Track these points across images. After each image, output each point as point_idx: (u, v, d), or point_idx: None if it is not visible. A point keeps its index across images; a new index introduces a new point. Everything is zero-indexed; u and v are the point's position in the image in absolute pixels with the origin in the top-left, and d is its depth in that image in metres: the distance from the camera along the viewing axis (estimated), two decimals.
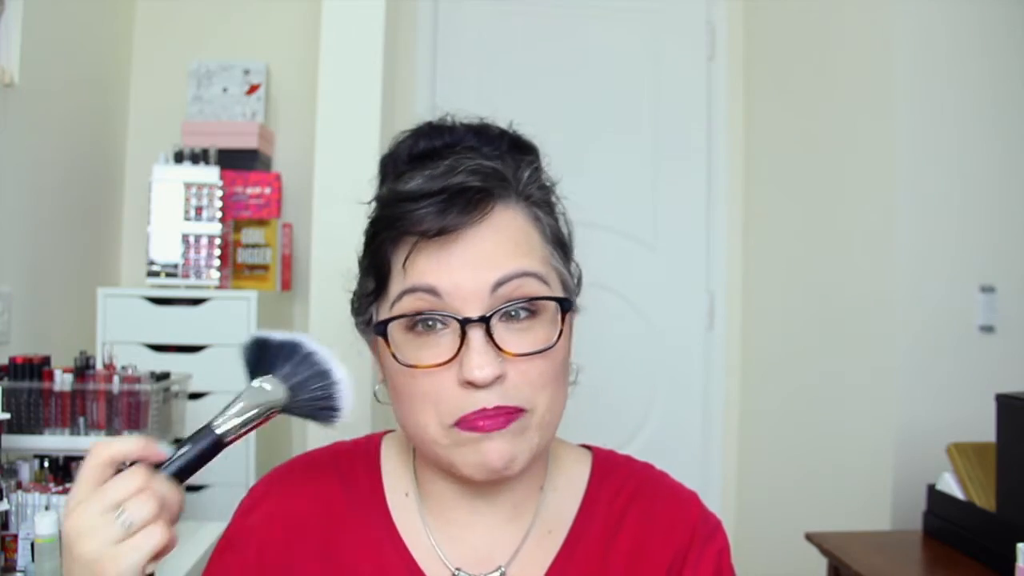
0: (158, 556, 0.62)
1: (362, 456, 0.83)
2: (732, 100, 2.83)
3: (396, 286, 0.72)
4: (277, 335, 0.71)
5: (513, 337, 0.70)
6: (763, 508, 2.62)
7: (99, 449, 0.62)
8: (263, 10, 2.63)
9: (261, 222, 2.40)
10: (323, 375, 0.69)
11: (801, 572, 2.01)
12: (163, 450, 0.65)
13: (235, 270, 2.38)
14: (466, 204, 0.70)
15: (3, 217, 1.90)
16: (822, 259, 2.35)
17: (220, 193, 2.23)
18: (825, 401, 2.29)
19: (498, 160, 0.75)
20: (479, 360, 0.68)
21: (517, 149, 0.80)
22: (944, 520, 1.71)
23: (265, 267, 2.40)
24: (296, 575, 0.77)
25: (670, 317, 2.81)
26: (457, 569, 0.77)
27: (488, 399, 0.69)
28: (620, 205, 2.80)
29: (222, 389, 2.15)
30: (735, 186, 2.82)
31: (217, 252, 2.22)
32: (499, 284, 0.69)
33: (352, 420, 0.72)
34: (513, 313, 0.70)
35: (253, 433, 2.43)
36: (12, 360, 1.56)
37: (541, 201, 0.76)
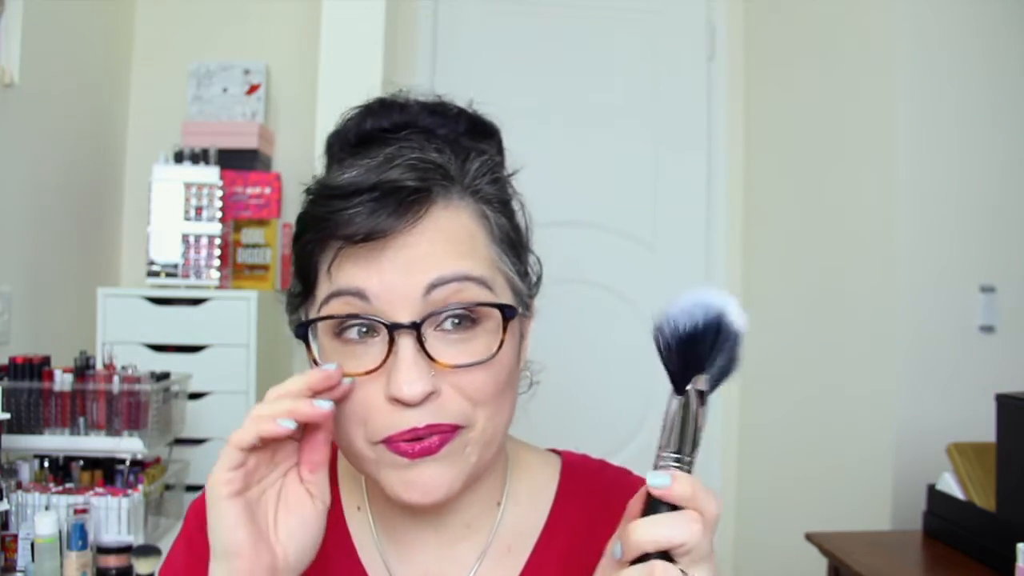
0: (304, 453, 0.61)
1: None
2: (732, 100, 2.82)
3: (323, 289, 0.65)
4: (696, 319, 0.62)
5: (449, 348, 0.63)
6: (763, 508, 2.62)
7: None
8: (263, 10, 2.63)
9: (261, 222, 2.40)
10: (732, 345, 0.63)
11: (801, 572, 2.01)
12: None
13: (235, 270, 2.38)
14: (398, 205, 0.62)
15: (3, 217, 1.90)
16: (822, 259, 2.35)
17: (220, 193, 2.23)
18: (825, 401, 2.29)
19: (448, 148, 0.68)
20: (408, 375, 0.60)
21: (475, 131, 0.72)
22: (944, 520, 1.71)
23: (265, 267, 2.40)
24: None
25: None
26: None
27: (419, 418, 0.61)
28: (620, 205, 2.80)
29: (222, 389, 2.15)
30: (735, 186, 2.82)
31: (217, 252, 2.22)
32: (433, 287, 0.62)
33: None
34: (453, 320, 0.63)
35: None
36: (12, 360, 1.56)
37: (491, 197, 0.68)
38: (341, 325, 0.63)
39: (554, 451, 0.80)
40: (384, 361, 0.62)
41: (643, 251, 2.82)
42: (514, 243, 0.69)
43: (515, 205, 0.72)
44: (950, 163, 2.01)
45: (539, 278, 0.74)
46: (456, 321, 0.63)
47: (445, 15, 2.77)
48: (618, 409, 2.74)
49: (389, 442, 0.62)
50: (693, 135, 2.84)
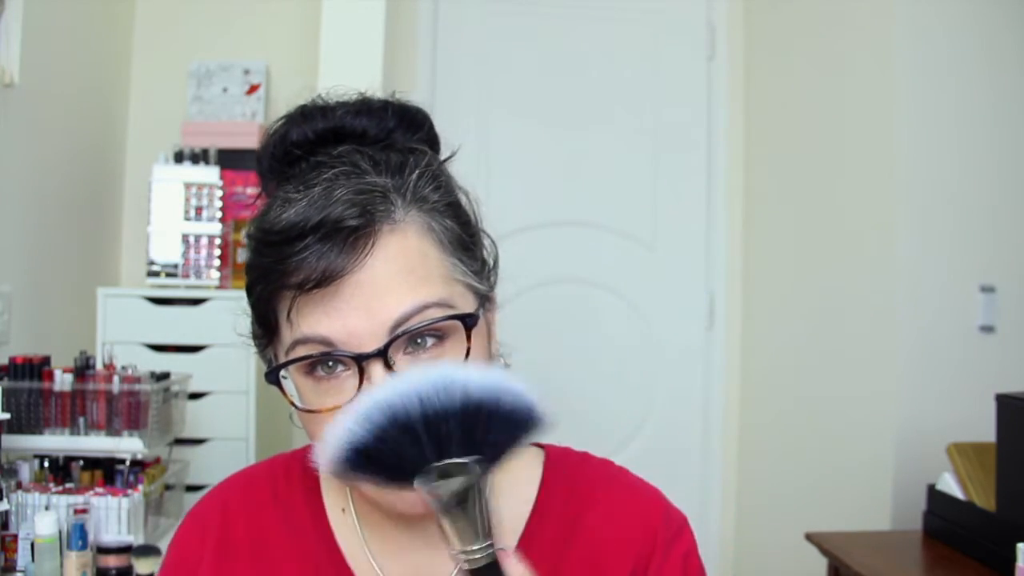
0: None
1: (300, 470, 0.77)
2: (732, 100, 2.83)
3: (287, 335, 0.64)
4: (359, 433, 0.55)
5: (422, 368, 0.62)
6: (763, 508, 2.62)
7: None
8: (263, 10, 2.63)
9: None
10: (468, 414, 0.55)
11: (801, 572, 2.01)
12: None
13: (235, 270, 2.38)
14: (344, 244, 0.61)
15: (3, 217, 1.90)
16: (822, 259, 2.35)
17: (220, 193, 2.23)
18: (825, 401, 2.29)
19: (383, 158, 0.66)
20: None
21: (405, 123, 0.71)
22: (944, 520, 1.71)
23: None
24: None
25: (669, 317, 2.81)
26: None
27: None
28: (620, 205, 2.80)
29: (222, 389, 2.15)
30: (735, 186, 2.82)
31: (217, 252, 2.22)
32: (397, 325, 0.62)
33: None
34: (419, 341, 0.63)
35: (252, 432, 2.39)
36: (12, 360, 1.56)
37: (436, 203, 0.67)
38: (311, 365, 0.63)
39: (536, 444, 0.79)
40: (358, 392, 0.61)
41: (643, 251, 2.82)
42: (465, 243, 0.68)
43: (460, 199, 0.70)
44: (950, 163, 2.01)
45: (496, 261, 0.73)
46: (422, 342, 0.63)
47: (445, 15, 2.77)
48: (618, 409, 2.74)
49: None
50: (693, 135, 2.84)
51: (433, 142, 0.73)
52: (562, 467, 0.76)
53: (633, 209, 2.81)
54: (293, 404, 0.65)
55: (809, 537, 1.76)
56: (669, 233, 2.82)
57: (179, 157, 2.26)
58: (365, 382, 0.62)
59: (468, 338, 0.64)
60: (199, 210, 2.22)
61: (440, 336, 0.64)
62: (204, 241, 2.22)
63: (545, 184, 2.76)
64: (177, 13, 2.62)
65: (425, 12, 2.76)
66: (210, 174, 2.23)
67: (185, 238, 2.21)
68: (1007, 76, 2.01)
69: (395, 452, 0.55)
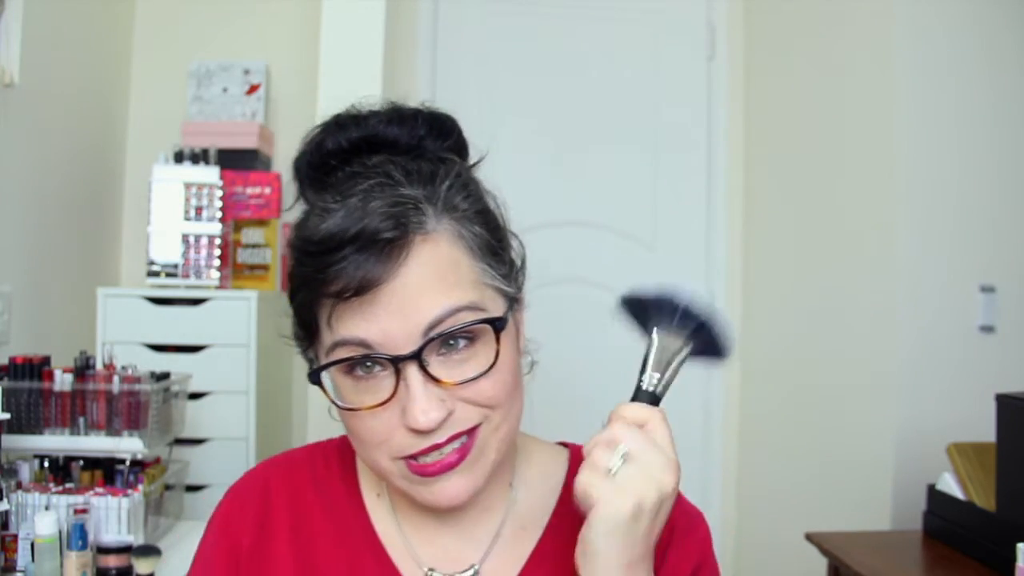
0: None
1: (337, 456, 0.82)
2: (732, 100, 2.83)
3: (327, 337, 0.69)
4: (649, 289, 0.70)
5: (454, 369, 0.67)
6: (763, 508, 2.62)
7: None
8: (263, 10, 2.63)
9: (261, 222, 2.40)
10: (705, 322, 0.69)
11: (801, 572, 2.01)
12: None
13: (235, 270, 2.38)
14: (380, 254, 0.65)
15: (3, 217, 1.90)
16: (822, 259, 2.35)
17: (220, 193, 2.23)
18: (825, 401, 2.29)
19: (415, 168, 0.70)
20: (423, 405, 0.65)
21: (435, 131, 0.75)
22: (944, 520, 1.71)
23: (265, 267, 2.40)
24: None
25: None
26: (430, 569, 0.76)
27: (439, 435, 0.67)
28: (620, 205, 2.80)
29: (222, 389, 2.15)
30: (735, 186, 2.82)
31: (217, 252, 2.22)
32: (431, 327, 0.66)
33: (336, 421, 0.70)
34: (452, 343, 0.67)
35: (252, 432, 2.39)
36: (12, 360, 1.56)
37: (466, 211, 0.71)
38: (350, 366, 0.68)
39: (562, 444, 0.85)
40: (395, 392, 0.66)
41: (643, 251, 2.82)
42: (494, 248, 0.72)
43: (490, 205, 0.74)
44: (950, 163, 2.01)
45: (523, 261, 0.77)
46: (454, 343, 0.67)
47: (445, 15, 2.77)
48: None
49: (410, 460, 0.68)
50: (693, 135, 2.83)
51: (462, 148, 0.78)
52: None
53: (633, 209, 2.81)
54: (334, 402, 0.69)
55: (809, 537, 1.76)
56: (669, 233, 2.82)
57: (179, 157, 2.25)
58: (401, 382, 0.66)
59: (497, 340, 0.68)
60: (199, 210, 2.22)
61: (471, 338, 0.68)
62: (204, 241, 2.22)
63: (545, 184, 2.75)
64: (177, 13, 2.62)
65: (425, 12, 2.76)
66: (210, 174, 2.23)
67: (185, 238, 2.21)
68: (1007, 76, 2.01)
69: (659, 310, 0.70)
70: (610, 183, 2.79)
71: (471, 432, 0.68)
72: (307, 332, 0.72)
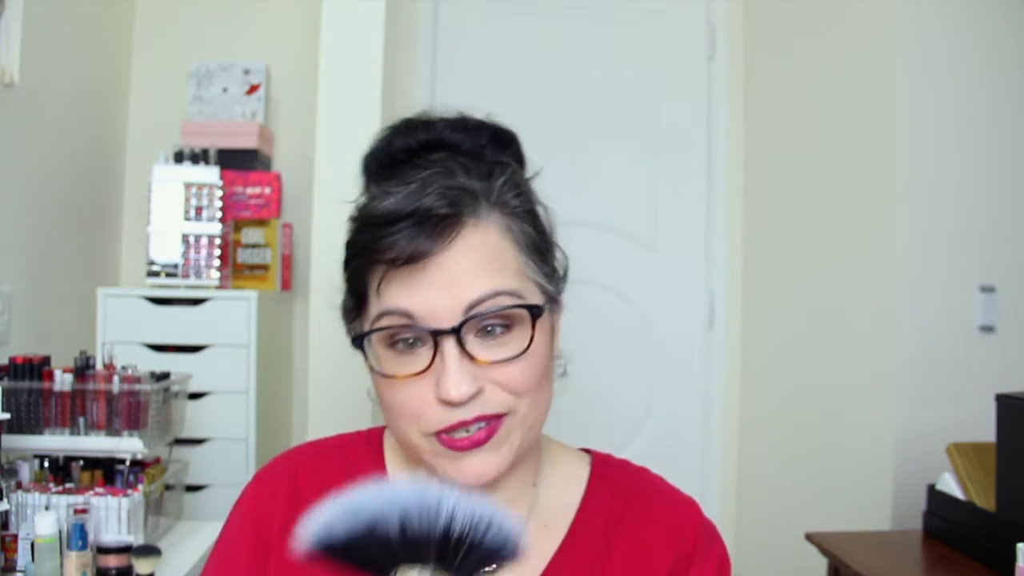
0: None
1: (365, 445, 0.85)
2: (732, 100, 2.83)
3: (374, 307, 0.73)
4: (351, 524, 0.57)
5: (489, 350, 0.71)
6: (763, 508, 2.62)
7: None
8: (263, 10, 2.63)
9: (261, 222, 2.40)
10: (449, 542, 0.56)
11: (801, 572, 2.01)
12: None
13: (235, 270, 2.38)
14: (433, 229, 0.70)
15: (3, 217, 1.90)
16: (822, 259, 2.35)
17: (220, 193, 2.23)
18: (825, 401, 2.29)
19: (474, 167, 0.75)
20: (455, 379, 0.69)
21: (496, 141, 0.80)
22: (944, 520, 1.71)
23: (265, 267, 2.40)
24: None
25: (670, 317, 2.81)
26: None
27: (467, 412, 0.70)
28: (620, 205, 2.80)
29: (222, 389, 2.15)
30: (735, 186, 2.82)
31: (217, 252, 2.22)
32: (472, 306, 0.70)
33: (352, 417, 0.72)
34: (489, 329, 0.71)
35: (252, 432, 2.39)
36: (12, 360, 1.56)
37: (516, 208, 0.76)
38: (393, 337, 0.72)
39: (583, 449, 0.88)
40: (431, 363, 0.70)
41: (643, 251, 2.82)
42: (539, 248, 0.77)
43: (539, 210, 0.79)
44: (950, 163, 2.01)
45: (565, 271, 0.81)
46: (491, 328, 0.71)
47: (445, 15, 2.77)
48: (618, 409, 2.74)
49: (441, 435, 0.71)
50: (693, 135, 2.83)
51: (520, 160, 0.83)
52: (606, 469, 0.85)
53: (633, 209, 2.81)
54: (372, 368, 0.74)
55: (809, 537, 1.76)
56: (669, 233, 2.82)
57: (179, 157, 2.25)
58: (438, 356, 0.70)
59: (532, 326, 0.72)
60: (199, 210, 2.22)
61: (508, 325, 0.72)
62: (204, 241, 2.22)
63: (545, 184, 2.75)
64: (177, 13, 2.62)
65: (425, 12, 2.75)
66: (210, 174, 2.23)
67: (185, 238, 2.21)
68: (1007, 76, 2.01)
69: (366, 557, 0.57)
70: (610, 183, 2.79)
71: (498, 418, 0.71)
72: (356, 302, 0.76)
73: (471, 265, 0.71)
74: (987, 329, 1.99)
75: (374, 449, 0.84)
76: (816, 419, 2.33)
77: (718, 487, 2.78)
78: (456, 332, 0.69)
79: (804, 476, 2.37)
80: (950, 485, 1.70)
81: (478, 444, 0.71)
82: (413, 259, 0.70)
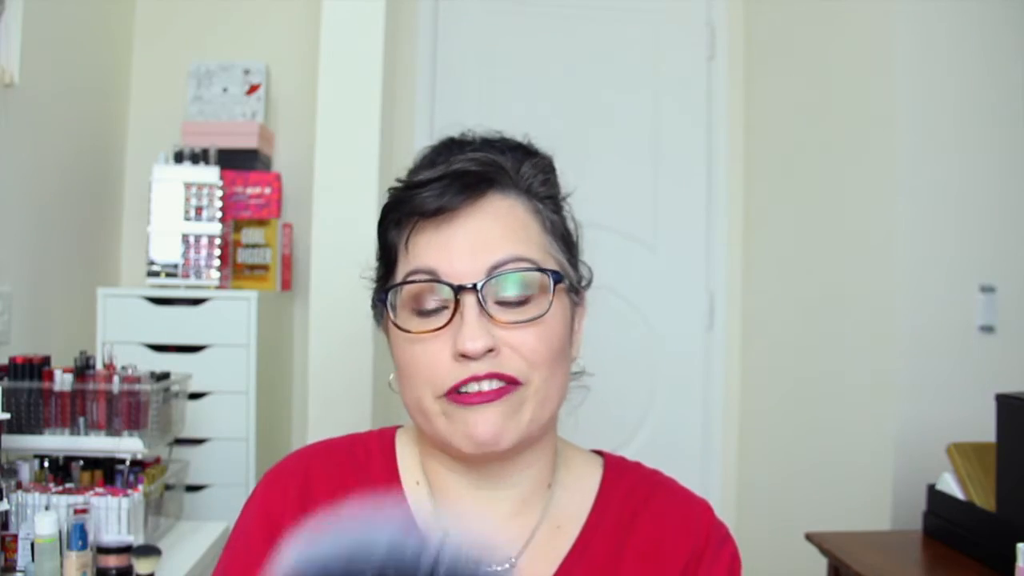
0: None
1: (377, 445, 0.85)
2: (732, 100, 2.83)
3: (401, 268, 0.76)
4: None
5: (507, 313, 0.73)
6: (763, 508, 2.62)
7: None
8: (263, 10, 2.63)
9: (261, 222, 2.40)
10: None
11: (801, 572, 2.01)
12: None
13: (235, 270, 2.38)
14: (463, 187, 0.74)
15: (3, 217, 1.90)
16: (822, 259, 2.35)
17: (220, 193, 2.23)
18: (825, 401, 2.29)
19: (511, 153, 0.79)
20: (471, 332, 0.71)
21: (533, 158, 0.82)
22: (944, 520, 1.71)
23: (265, 267, 2.40)
24: None
25: (670, 317, 2.81)
26: None
27: (480, 367, 0.72)
28: (620, 205, 2.80)
29: (222, 389, 2.15)
30: (735, 186, 2.82)
31: (217, 252, 2.22)
32: (495, 267, 0.73)
33: (352, 416, 0.72)
34: (508, 301, 0.73)
35: (252, 432, 2.38)
36: (12, 360, 1.56)
37: (543, 195, 0.79)
38: (418, 298, 0.75)
39: (595, 451, 0.89)
40: (451, 320, 0.72)
41: (643, 251, 2.82)
42: (565, 238, 0.81)
43: (565, 207, 0.83)
44: (950, 163, 2.01)
45: (589, 282, 0.85)
46: (510, 301, 0.73)
47: (445, 15, 2.77)
48: (618, 409, 2.74)
49: (452, 392, 0.72)
50: (693, 135, 2.84)
51: (552, 173, 0.84)
52: (619, 470, 0.86)
53: (633, 209, 2.81)
54: (394, 323, 0.76)
55: (809, 537, 1.76)
56: (669, 233, 2.82)
57: (179, 157, 2.26)
58: (458, 313, 0.72)
59: (552, 291, 0.75)
60: (199, 210, 2.22)
61: (527, 297, 0.74)
62: (204, 241, 2.22)
63: None
64: (177, 13, 2.62)
65: (425, 12, 2.75)
66: (210, 174, 2.23)
67: (185, 238, 2.22)
68: (1007, 76, 2.01)
69: None
70: (610, 183, 2.79)
71: (511, 382, 0.73)
72: (384, 262, 0.79)
73: (495, 230, 0.74)
74: (987, 329, 1.99)
75: (386, 449, 0.85)
76: (816, 419, 2.33)
77: (718, 487, 2.78)
78: (477, 290, 0.72)
79: (804, 476, 2.37)
80: (950, 485, 1.70)
81: (488, 400, 0.72)
82: (441, 211, 0.73)
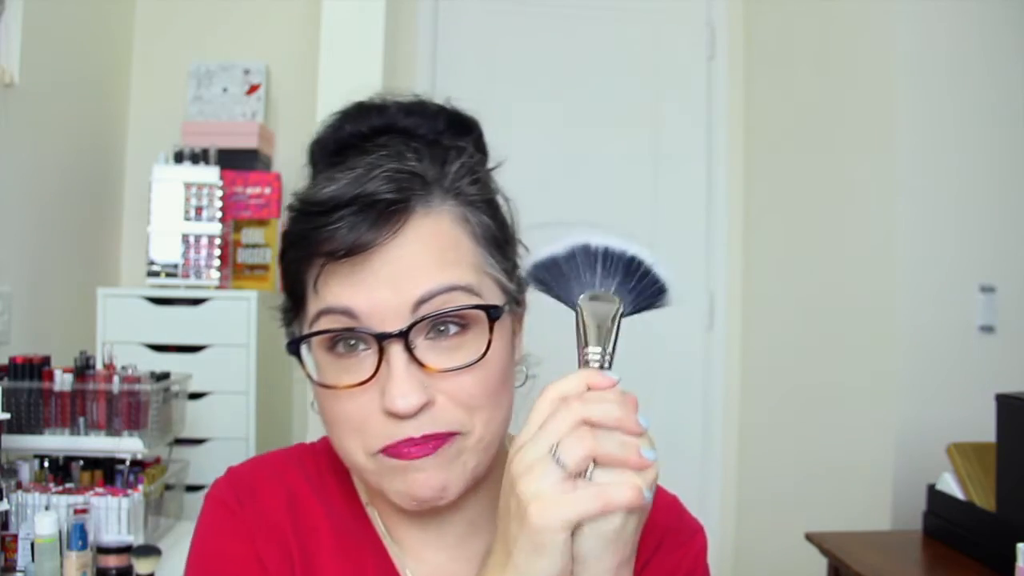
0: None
1: (326, 458, 0.76)
2: (732, 100, 2.83)
3: (312, 306, 0.65)
4: (558, 249, 0.61)
5: (440, 356, 0.63)
6: (763, 508, 2.62)
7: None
8: (263, 10, 2.63)
9: (261, 222, 2.40)
10: (631, 265, 0.61)
11: (801, 572, 2.01)
12: (608, 376, 0.60)
13: (235, 270, 2.38)
14: (377, 218, 0.62)
15: (3, 217, 1.90)
16: (822, 259, 2.35)
17: (220, 193, 2.23)
18: (825, 401, 2.29)
19: (427, 152, 0.68)
20: (402, 388, 0.61)
21: (454, 128, 0.72)
22: (944, 520, 1.71)
23: (265, 267, 2.40)
24: None
25: (670, 317, 2.79)
26: None
27: (415, 428, 0.62)
28: (620, 205, 2.80)
29: (222, 389, 2.15)
30: (735, 186, 2.82)
31: (217, 252, 2.22)
32: (422, 302, 0.62)
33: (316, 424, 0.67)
34: (442, 328, 0.63)
35: (252, 432, 2.38)
36: (12, 360, 1.56)
37: (473, 197, 0.68)
38: (332, 340, 0.64)
39: None
40: (376, 372, 0.62)
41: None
42: (499, 241, 0.69)
43: (499, 200, 0.71)
44: (950, 163, 2.01)
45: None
46: (444, 327, 0.64)
47: (445, 14, 2.77)
48: None
49: (387, 450, 0.63)
50: (693, 135, 2.83)
51: (480, 149, 0.75)
52: None
53: (633, 209, 2.81)
54: (310, 378, 0.66)
55: (809, 537, 1.76)
56: (669, 233, 2.82)
57: (179, 157, 2.25)
58: (384, 362, 0.62)
59: (491, 330, 0.64)
60: (199, 210, 2.22)
61: (463, 325, 0.64)
62: (204, 241, 2.22)
63: (545, 184, 2.75)
64: (177, 13, 2.62)
65: (425, 12, 2.75)
66: (210, 174, 2.23)
67: (185, 238, 2.21)
68: (1007, 76, 2.01)
69: (575, 270, 0.60)
70: (610, 183, 2.79)
71: (447, 437, 0.64)
72: (293, 300, 0.69)
73: (420, 257, 0.63)
74: (987, 329, 1.99)
75: (336, 461, 0.73)
76: (816, 419, 2.33)
77: (718, 487, 2.78)
78: (404, 336, 0.62)
79: (804, 476, 2.37)
80: (950, 485, 1.70)
81: (426, 454, 0.63)
82: (355, 251, 0.62)
